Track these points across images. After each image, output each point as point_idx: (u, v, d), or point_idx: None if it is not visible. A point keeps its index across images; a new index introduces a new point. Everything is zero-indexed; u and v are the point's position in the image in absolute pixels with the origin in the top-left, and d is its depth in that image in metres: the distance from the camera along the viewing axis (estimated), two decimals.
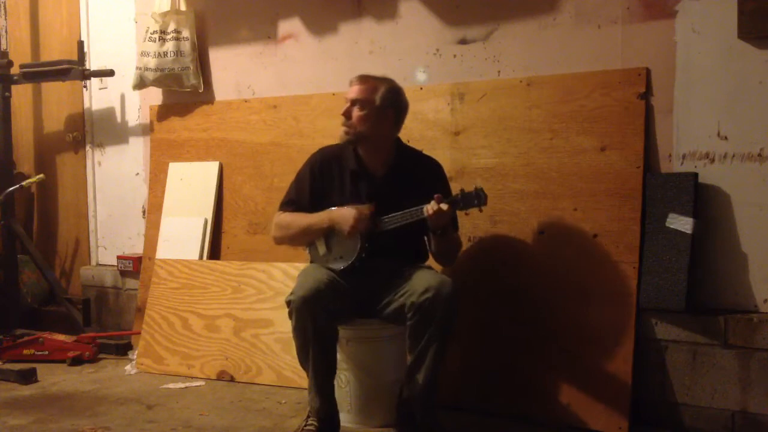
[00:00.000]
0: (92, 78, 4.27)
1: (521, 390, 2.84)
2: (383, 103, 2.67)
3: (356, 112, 2.66)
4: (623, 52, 2.83)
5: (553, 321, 2.83)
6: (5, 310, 4.21)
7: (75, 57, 4.21)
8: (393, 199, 2.63)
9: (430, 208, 2.50)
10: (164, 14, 3.90)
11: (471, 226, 2.97)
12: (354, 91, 2.69)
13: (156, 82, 3.94)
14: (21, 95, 4.65)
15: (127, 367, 3.64)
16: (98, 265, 4.44)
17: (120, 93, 4.29)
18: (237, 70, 3.83)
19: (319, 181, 2.75)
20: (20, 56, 4.51)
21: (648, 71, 2.77)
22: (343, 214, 2.60)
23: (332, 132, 3.33)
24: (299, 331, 2.50)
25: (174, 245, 3.83)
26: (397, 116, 2.74)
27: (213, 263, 3.66)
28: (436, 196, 2.50)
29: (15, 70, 4.26)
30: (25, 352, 3.76)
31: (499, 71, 3.10)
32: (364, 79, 2.71)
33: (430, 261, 2.81)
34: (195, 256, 3.74)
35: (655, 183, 2.72)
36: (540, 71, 2.99)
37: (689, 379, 2.65)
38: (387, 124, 2.71)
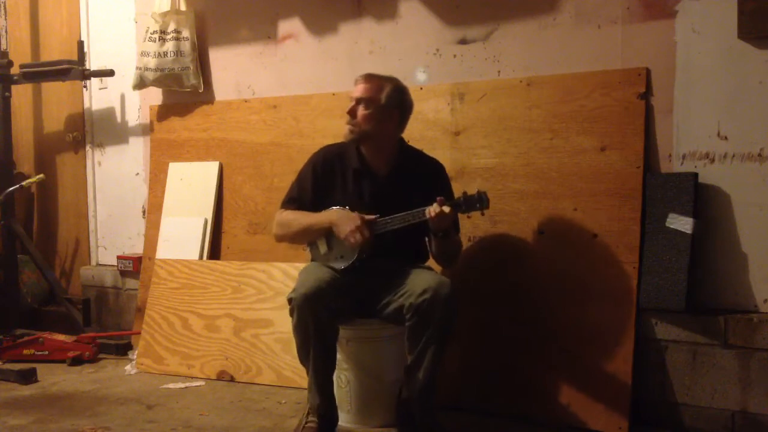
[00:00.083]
0: (92, 78, 4.27)
1: (521, 390, 2.84)
2: (389, 103, 2.67)
3: (361, 111, 2.66)
4: (623, 52, 2.83)
5: (553, 321, 2.83)
6: (5, 310, 4.21)
7: (75, 57, 4.21)
8: (395, 198, 2.62)
9: (432, 210, 2.49)
10: (164, 14, 3.90)
11: (471, 225, 2.97)
12: (359, 90, 2.68)
13: (156, 82, 3.94)
14: (21, 95, 4.65)
15: (127, 367, 3.64)
16: (98, 265, 4.45)
17: (120, 93, 4.29)
18: (237, 70, 3.83)
19: (321, 180, 2.75)
20: (20, 56, 4.51)
21: (648, 71, 2.77)
22: (343, 221, 2.59)
23: (332, 132, 3.35)
24: (300, 329, 2.50)
25: (174, 245, 3.83)
26: (401, 116, 2.74)
27: (213, 263, 3.66)
28: (438, 198, 2.50)
29: (15, 70, 4.26)
30: (25, 352, 3.76)
31: (499, 71, 3.10)
32: (369, 78, 2.70)
33: (431, 261, 2.80)
34: (195, 256, 3.74)
35: (655, 183, 2.72)
36: (540, 71, 2.99)
37: (689, 379, 2.65)
38: (392, 123, 2.71)
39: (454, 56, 3.20)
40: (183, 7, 3.94)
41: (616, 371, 2.68)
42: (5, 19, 4.75)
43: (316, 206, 2.72)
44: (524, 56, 3.03)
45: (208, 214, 3.81)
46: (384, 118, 2.67)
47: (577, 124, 2.88)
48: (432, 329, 2.45)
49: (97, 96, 4.38)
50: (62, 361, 3.72)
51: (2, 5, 4.74)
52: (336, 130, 3.31)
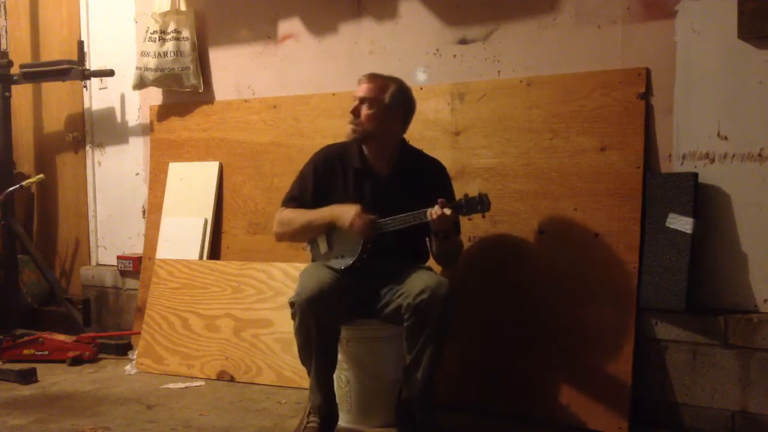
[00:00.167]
0: (92, 78, 4.27)
1: (521, 390, 2.84)
2: (393, 102, 2.67)
3: (365, 111, 2.66)
4: (623, 52, 2.83)
5: (553, 321, 2.83)
6: (5, 310, 4.21)
7: (75, 57, 4.21)
8: (396, 199, 2.62)
9: (433, 212, 2.49)
10: (164, 14, 3.90)
11: (471, 225, 2.97)
12: (363, 90, 2.68)
13: (156, 82, 3.94)
14: (21, 95, 4.66)
15: (127, 367, 3.64)
16: (98, 265, 4.45)
17: (120, 93, 4.29)
18: (237, 70, 3.83)
19: (322, 179, 2.75)
20: (20, 56, 4.51)
21: (648, 71, 2.77)
22: (345, 210, 2.60)
23: (332, 132, 3.35)
24: (302, 332, 2.50)
25: (174, 245, 3.83)
26: (405, 116, 2.74)
27: (213, 263, 3.66)
28: (439, 200, 2.50)
29: (15, 70, 4.26)
30: (25, 352, 3.76)
31: (499, 71, 3.10)
32: (373, 78, 2.70)
33: (431, 261, 2.80)
34: (195, 256, 3.74)
35: (655, 183, 2.72)
36: (540, 71, 2.99)
37: (689, 379, 2.65)
38: (395, 123, 2.71)
39: (454, 56, 3.20)
40: (183, 7, 3.94)
41: (616, 371, 2.68)
42: (5, 19, 4.75)
43: (317, 206, 2.71)
44: (524, 56, 3.03)
45: (208, 214, 3.81)
46: (387, 118, 2.67)
47: (577, 124, 2.88)
48: (430, 329, 2.45)
49: (97, 96, 4.38)
50: (62, 361, 3.72)
51: (2, 5, 4.75)
52: (336, 130, 3.32)
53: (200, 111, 3.93)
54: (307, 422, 2.57)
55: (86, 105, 4.43)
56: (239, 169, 3.77)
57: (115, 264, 4.24)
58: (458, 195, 2.68)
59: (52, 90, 4.61)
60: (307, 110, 3.56)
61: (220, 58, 3.89)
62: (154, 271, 3.77)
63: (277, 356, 3.30)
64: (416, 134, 3.14)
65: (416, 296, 2.44)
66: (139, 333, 3.78)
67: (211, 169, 3.85)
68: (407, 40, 3.31)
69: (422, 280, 2.50)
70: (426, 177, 2.74)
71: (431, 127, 3.19)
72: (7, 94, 4.25)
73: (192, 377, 3.45)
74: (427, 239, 2.75)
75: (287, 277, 3.36)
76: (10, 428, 2.82)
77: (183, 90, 3.93)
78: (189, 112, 3.97)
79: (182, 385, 3.34)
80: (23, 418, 2.92)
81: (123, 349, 3.87)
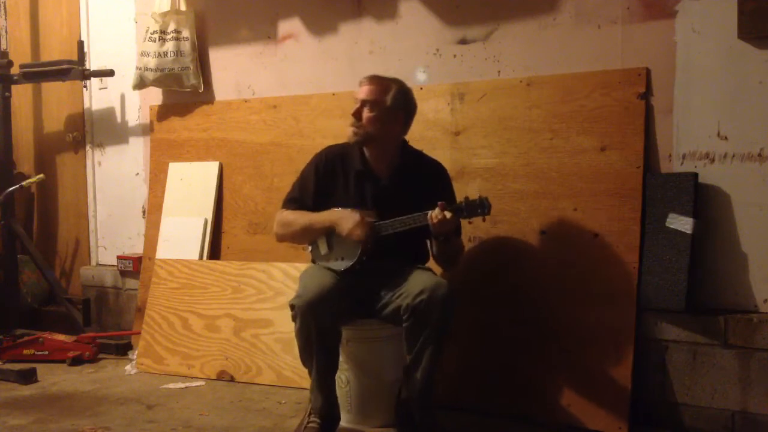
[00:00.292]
0: (92, 78, 4.27)
1: (521, 390, 2.84)
2: (394, 104, 2.67)
3: (366, 113, 2.65)
4: (623, 52, 2.83)
5: (553, 321, 2.83)
6: (5, 310, 4.21)
7: (75, 57, 4.21)
8: (397, 201, 2.62)
9: (434, 215, 2.49)
10: (164, 14, 3.90)
11: (471, 226, 2.97)
12: (365, 92, 2.67)
13: (156, 82, 3.94)
14: (21, 95, 4.66)
15: (127, 367, 3.64)
16: (98, 265, 4.45)
17: (120, 93, 4.29)
18: (237, 70, 3.83)
19: (323, 180, 2.75)
20: (20, 56, 4.51)
21: (648, 71, 2.77)
22: (345, 217, 2.60)
23: (332, 132, 3.35)
24: (303, 334, 2.50)
25: (174, 245, 3.83)
26: (406, 118, 2.74)
27: (213, 263, 3.66)
28: (440, 203, 2.49)
29: (15, 70, 4.26)
30: (25, 352, 3.76)
31: (499, 71, 3.10)
32: (375, 80, 2.69)
33: (431, 262, 2.80)
34: (195, 256, 3.74)
35: (655, 183, 2.72)
36: (540, 71, 2.99)
37: (689, 379, 2.65)
38: (397, 125, 2.71)
39: (454, 56, 3.20)
40: (183, 7, 3.94)
41: (616, 371, 2.68)
42: (5, 19, 4.75)
43: (318, 207, 2.71)
44: (524, 56, 3.03)
45: (208, 214, 3.81)
46: (389, 119, 2.67)
47: (577, 124, 2.88)
48: (429, 330, 2.45)
49: (97, 96, 4.38)
50: (62, 361, 3.72)
51: (2, 5, 4.75)
52: (336, 130, 3.32)
53: (200, 111, 3.93)
54: (308, 422, 2.57)
55: (86, 105, 4.43)
56: (239, 169, 3.77)
57: (115, 264, 4.24)
58: (459, 195, 2.68)
59: (52, 90, 4.61)
60: (307, 110, 3.56)
61: (220, 58, 3.89)
62: (154, 271, 3.77)
63: (277, 356, 3.30)
64: (416, 134, 3.13)
65: (415, 297, 2.44)
66: (139, 333, 3.78)
67: (211, 169, 3.85)
68: (407, 40, 3.31)
69: (421, 281, 2.50)
70: (427, 179, 2.74)
71: (431, 127, 3.19)
72: (7, 94, 4.25)
73: (192, 377, 3.45)
74: (427, 240, 2.75)
75: (287, 277, 3.36)
76: (10, 428, 2.82)
77: (183, 90, 3.93)
78: (189, 112, 3.97)
79: (182, 385, 3.34)
80: (23, 418, 2.92)
81: (123, 349, 3.87)
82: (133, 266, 4.12)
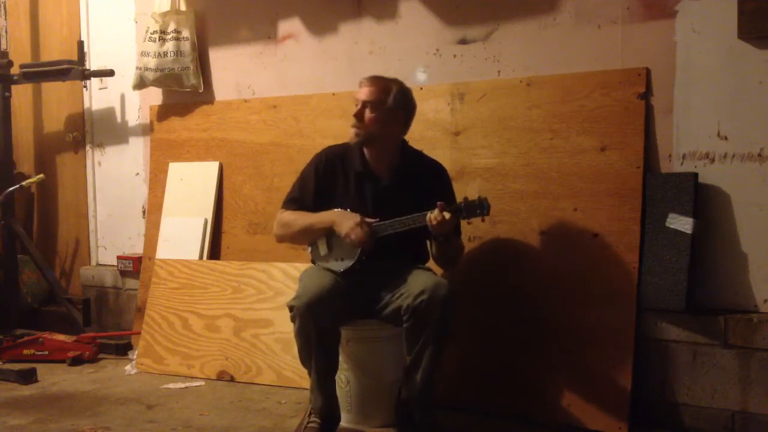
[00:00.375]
0: (92, 78, 4.27)
1: (521, 390, 2.84)
2: (395, 105, 2.67)
3: (368, 114, 2.65)
4: (623, 52, 2.83)
5: (553, 321, 2.83)
6: (5, 310, 4.21)
7: (75, 57, 4.21)
8: (397, 201, 2.62)
9: (433, 217, 2.49)
10: (164, 14, 3.90)
11: (471, 226, 2.96)
12: (366, 93, 2.66)
13: (156, 82, 3.94)
14: (21, 95, 4.66)
15: (127, 367, 3.64)
16: (98, 265, 4.45)
17: (120, 93, 4.29)
18: (237, 70, 3.83)
19: (323, 181, 2.75)
20: (20, 56, 4.51)
21: (648, 71, 2.77)
22: (345, 219, 2.60)
23: (332, 132, 3.35)
24: (302, 335, 2.50)
25: (174, 245, 3.83)
26: (406, 118, 2.74)
27: (213, 263, 3.66)
28: (439, 204, 2.49)
29: (15, 70, 4.26)
30: (25, 352, 3.76)
31: (499, 71, 3.10)
32: (375, 81, 2.69)
33: (431, 262, 2.80)
34: (195, 256, 3.74)
35: (655, 183, 2.72)
36: (540, 71, 2.99)
37: (689, 379, 2.65)
38: (397, 125, 2.71)
39: (454, 56, 3.20)
40: (183, 7, 3.94)
41: (616, 371, 2.68)
42: (5, 19, 4.75)
43: (318, 207, 2.71)
44: (524, 56, 3.03)
45: (208, 214, 3.81)
46: (390, 120, 2.67)
47: (577, 124, 2.88)
48: (429, 330, 2.45)
49: (97, 96, 4.38)
50: (62, 361, 3.72)
51: (2, 5, 4.75)
52: (336, 130, 3.32)
53: (200, 111, 3.93)
54: (308, 422, 2.57)
55: (86, 105, 4.43)
56: (239, 169, 3.77)
57: (115, 264, 4.24)
58: (459, 196, 2.68)
59: (52, 90, 4.61)
60: (307, 110, 3.56)
61: (220, 58, 3.89)
62: (154, 271, 3.77)
63: (277, 356, 3.30)
64: (416, 134, 3.13)
65: (415, 297, 2.44)
66: (139, 333, 3.78)
67: (211, 169, 3.85)
68: (407, 40, 3.31)
69: (421, 281, 2.49)
70: (426, 179, 2.73)
71: (431, 127, 3.19)
72: (7, 94, 4.25)
73: (192, 377, 3.45)
74: (427, 241, 2.75)
75: (287, 277, 3.36)
76: (10, 428, 2.82)
77: (183, 90, 3.93)
78: (189, 112, 3.97)
79: (182, 385, 3.34)
80: (23, 418, 2.92)
81: (123, 349, 3.87)
82: (133, 266, 4.12)
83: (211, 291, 3.56)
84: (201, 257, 3.74)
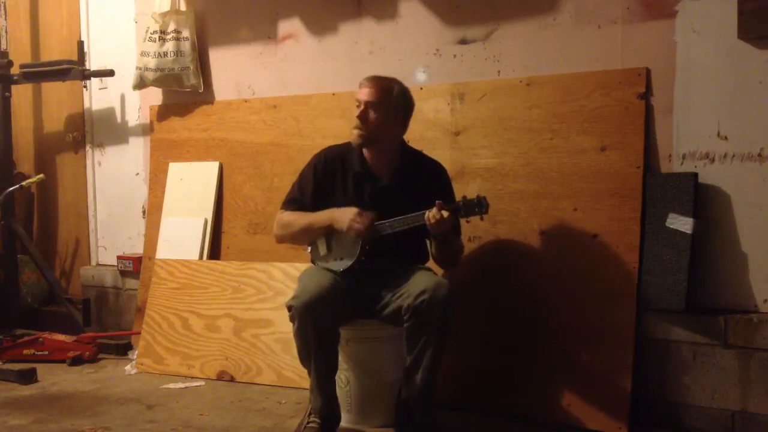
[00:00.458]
0: (92, 78, 4.27)
1: (521, 390, 2.84)
2: (396, 105, 2.67)
3: (372, 115, 2.64)
4: (623, 52, 2.83)
5: (553, 321, 2.83)
6: (5, 310, 4.21)
7: (75, 57, 4.22)
8: (396, 202, 2.62)
9: (431, 215, 2.49)
10: (164, 14, 3.90)
11: (471, 225, 2.96)
12: (368, 93, 2.65)
13: (156, 82, 3.94)
14: (21, 95, 4.66)
15: (127, 367, 3.64)
16: (98, 265, 4.44)
17: (120, 93, 4.29)
18: (237, 70, 3.83)
19: (322, 181, 2.75)
20: (20, 56, 4.51)
21: (648, 71, 2.77)
22: (343, 213, 2.60)
23: (332, 132, 3.35)
24: (301, 335, 2.50)
25: (174, 245, 3.83)
26: (405, 117, 2.74)
27: (213, 263, 3.66)
28: (437, 202, 2.49)
29: (15, 70, 4.26)
30: (25, 352, 3.76)
31: (499, 71, 3.10)
32: (377, 81, 2.68)
33: (431, 262, 2.80)
34: (195, 256, 3.74)
35: (655, 183, 2.72)
36: (540, 71, 2.99)
37: (689, 379, 2.65)
38: (397, 126, 2.71)
39: (454, 56, 3.20)
40: (183, 7, 3.95)
41: (616, 371, 2.68)
42: (5, 19, 4.75)
43: (316, 208, 2.71)
44: (524, 56, 3.03)
45: (208, 214, 3.81)
46: (391, 120, 2.67)
47: (577, 124, 2.88)
48: (430, 330, 2.45)
49: (97, 96, 4.38)
50: (62, 361, 3.72)
51: (2, 5, 4.75)
52: (336, 131, 3.32)
53: (200, 111, 3.93)
54: (308, 422, 2.57)
55: (86, 105, 4.43)
56: (239, 169, 3.77)
57: (115, 264, 4.24)
58: (459, 196, 2.68)
59: (52, 90, 4.61)
60: (307, 110, 3.56)
61: (220, 58, 3.89)
62: (154, 271, 3.77)
63: (277, 356, 3.30)
64: (416, 134, 3.14)
65: (416, 297, 2.44)
66: (139, 333, 3.78)
67: (211, 169, 3.85)
68: (407, 41, 3.31)
69: (422, 281, 2.50)
70: (426, 179, 2.73)
71: (431, 127, 3.19)
72: (7, 94, 4.25)
73: (192, 377, 3.45)
74: (427, 241, 2.75)
75: (287, 277, 3.36)
76: (10, 428, 2.82)
77: (183, 90, 3.93)
78: (189, 112, 3.97)
79: (182, 385, 3.34)
80: (23, 418, 2.92)
81: (123, 349, 3.87)
82: (133, 266, 4.12)
83: (211, 291, 3.56)
84: (201, 257, 3.74)
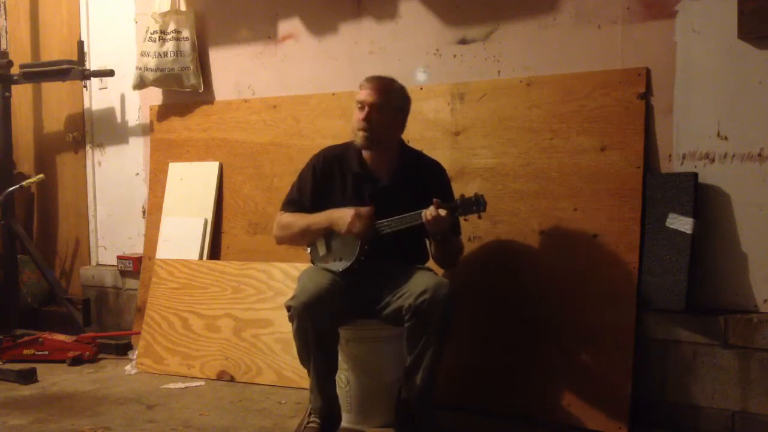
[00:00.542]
0: (92, 78, 4.27)
1: (521, 390, 2.84)
2: (397, 105, 2.67)
3: (375, 116, 2.63)
4: (623, 52, 2.83)
5: (553, 321, 2.83)
6: (5, 310, 4.21)
7: (75, 57, 4.22)
8: (395, 202, 2.62)
9: (428, 213, 2.49)
10: (164, 14, 3.90)
11: (471, 226, 2.97)
12: (371, 95, 2.63)
13: (156, 82, 3.94)
14: (21, 95, 4.66)
15: (127, 367, 3.64)
16: (98, 265, 4.45)
17: (120, 93, 4.29)
18: (237, 70, 3.83)
19: (320, 182, 2.75)
20: (20, 56, 4.51)
21: (648, 71, 2.77)
22: (342, 214, 2.60)
23: (332, 132, 3.35)
24: (300, 335, 2.50)
25: (174, 245, 3.83)
26: (404, 117, 2.74)
27: (213, 263, 3.66)
28: (434, 201, 2.49)
29: (15, 70, 4.26)
30: (25, 352, 3.76)
31: (499, 71, 3.10)
32: (378, 82, 2.67)
33: (431, 262, 2.80)
34: (195, 256, 3.74)
35: (655, 183, 2.72)
36: (540, 71, 2.99)
37: (689, 379, 2.65)
38: (397, 126, 2.71)
39: (454, 56, 3.20)
40: (183, 7, 3.95)
41: (616, 371, 2.68)
42: (5, 19, 4.75)
43: (316, 208, 2.71)
44: (524, 56, 3.03)
45: (208, 214, 3.81)
46: (393, 121, 2.67)
47: (577, 124, 2.88)
48: (431, 330, 2.45)
49: (97, 96, 4.38)
50: (62, 361, 3.72)
51: (2, 5, 4.75)
52: (336, 130, 3.33)
53: (200, 111, 3.93)
54: (308, 422, 2.57)
55: (86, 105, 4.43)
56: (239, 169, 3.77)
57: (115, 264, 4.24)
58: (458, 196, 2.68)
59: (52, 90, 4.61)
60: (307, 110, 3.56)
61: (220, 58, 3.89)
62: (154, 271, 3.77)
63: (277, 356, 3.30)
64: (416, 134, 3.14)
65: (417, 297, 2.44)
66: (139, 333, 3.78)
67: (211, 169, 3.85)
68: (407, 41, 3.31)
69: (423, 281, 2.49)
70: (425, 179, 2.73)
71: (431, 127, 3.19)
72: (7, 94, 4.25)
73: (192, 377, 3.45)
74: (426, 240, 2.75)
75: (287, 277, 3.36)
76: (10, 428, 2.82)
77: (183, 90, 3.93)
78: (189, 112, 3.97)
79: (182, 385, 3.34)
80: (23, 418, 2.92)
81: (123, 349, 3.87)
82: (133, 266, 4.12)
83: (211, 291, 3.56)
84: (201, 257, 3.74)
